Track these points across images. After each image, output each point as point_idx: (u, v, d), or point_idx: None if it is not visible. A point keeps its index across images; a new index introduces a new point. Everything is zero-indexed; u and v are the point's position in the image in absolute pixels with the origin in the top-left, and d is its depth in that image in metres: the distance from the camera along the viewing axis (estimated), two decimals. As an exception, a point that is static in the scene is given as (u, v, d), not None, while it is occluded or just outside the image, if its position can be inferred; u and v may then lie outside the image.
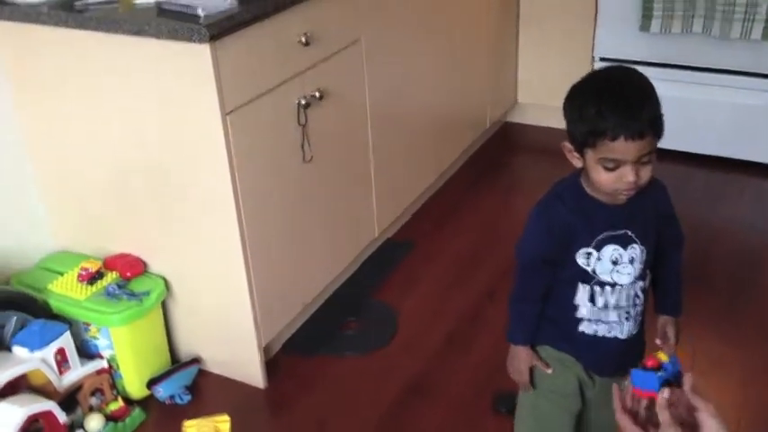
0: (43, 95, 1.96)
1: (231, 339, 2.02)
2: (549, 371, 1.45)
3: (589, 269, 1.35)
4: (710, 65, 2.93)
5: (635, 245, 1.36)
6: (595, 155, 1.25)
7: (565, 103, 1.30)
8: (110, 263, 2.02)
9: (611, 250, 1.35)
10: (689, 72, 2.98)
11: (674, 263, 1.47)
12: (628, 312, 1.39)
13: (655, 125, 1.24)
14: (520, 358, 1.46)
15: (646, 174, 1.26)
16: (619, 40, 3.04)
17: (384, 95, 2.37)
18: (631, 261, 1.36)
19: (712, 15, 2.79)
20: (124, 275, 1.99)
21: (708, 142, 3.05)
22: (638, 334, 1.44)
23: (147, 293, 1.95)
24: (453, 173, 3.07)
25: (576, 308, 1.39)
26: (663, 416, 1.03)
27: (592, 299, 1.37)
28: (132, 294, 1.93)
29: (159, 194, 1.92)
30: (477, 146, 3.26)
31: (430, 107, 2.71)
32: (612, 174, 1.25)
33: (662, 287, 1.47)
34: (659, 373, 1.11)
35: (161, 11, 1.74)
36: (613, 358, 1.42)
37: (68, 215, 2.13)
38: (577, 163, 1.32)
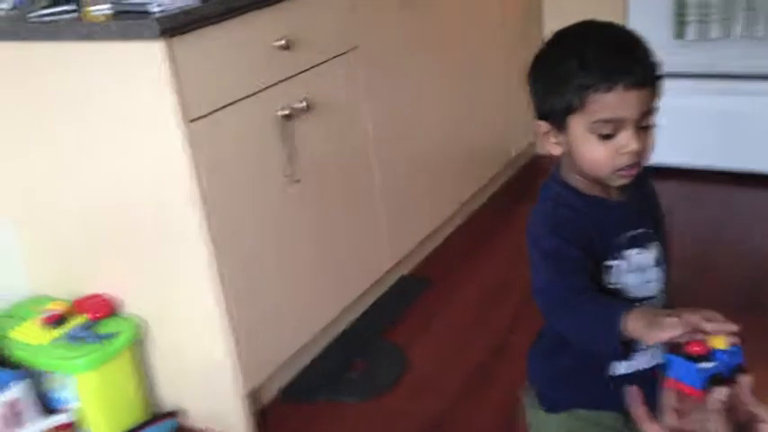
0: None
1: (212, 387, 1.76)
2: None
3: (618, 287, 1.05)
4: (757, 71, 2.64)
5: (655, 242, 1.07)
6: (585, 120, 0.97)
7: (530, 74, 1.04)
8: (78, 305, 1.80)
9: (635, 255, 1.05)
10: (732, 81, 2.69)
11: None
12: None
13: (654, 72, 0.97)
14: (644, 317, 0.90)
15: (648, 144, 0.99)
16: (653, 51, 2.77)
17: (388, 113, 2.15)
18: (657, 263, 1.07)
19: (756, 15, 2.51)
20: (93, 317, 1.77)
21: (758, 158, 2.72)
22: None
23: (115, 335, 1.72)
24: (478, 206, 2.81)
25: (610, 359, 1.07)
26: (716, 424, 0.74)
27: None
28: (98, 336, 1.70)
29: (128, 227, 1.71)
30: (504, 177, 3.00)
31: (445, 131, 2.47)
32: (610, 144, 0.97)
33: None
34: (706, 365, 0.81)
35: (116, 14, 1.56)
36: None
37: (42, 257, 1.93)
38: (556, 149, 1.04)
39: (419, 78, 2.28)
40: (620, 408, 1.01)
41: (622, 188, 1.07)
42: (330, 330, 2.07)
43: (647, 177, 1.14)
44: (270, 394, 1.91)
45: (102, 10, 1.53)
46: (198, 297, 1.69)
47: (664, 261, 1.09)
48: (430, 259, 2.51)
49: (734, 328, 0.85)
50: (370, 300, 2.24)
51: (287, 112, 1.74)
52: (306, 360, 2.00)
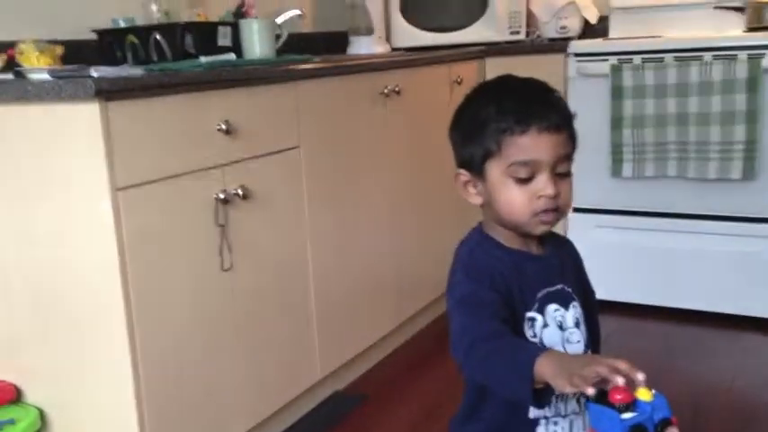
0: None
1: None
2: None
3: (537, 340, 1.02)
4: (689, 210, 2.72)
5: (575, 303, 1.07)
6: (503, 164, 1.00)
7: (451, 127, 1.08)
8: (-25, 391, 1.65)
9: (552, 312, 1.04)
10: (668, 220, 2.76)
11: (596, 324, 1.18)
12: (587, 398, 1.01)
13: (568, 119, 1.02)
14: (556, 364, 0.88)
15: (566, 191, 1.01)
16: (592, 188, 2.86)
17: (329, 219, 2.13)
18: (577, 324, 1.06)
19: (686, 156, 2.63)
20: (-11, 403, 1.61)
21: (693, 296, 2.74)
22: None
23: (11, 422, 1.56)
24: (422, 325, 2.73)
25: (526, 408, 1.03)
26: None
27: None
28: (-10, 422, 1.55)
29: (38, 302, 1.61)
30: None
31: (387, 247, 2.45)
32: (526, 188, 0.99)
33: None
34: (628, 414, 0.75)
35: (55, 77, 1.55)
36: None
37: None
38: (476, 199, 1.06)
39: (363, 188, 2.29)
40: None
41: (542, 243, 1.07)
42: (251, 442, 1.92)
43: (570, 244, 1.16)
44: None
45: (42, 73, 1.52)
46: (108, 389, 1.57)
47: (585, 325, 1.07)
48: (367, 375, 2.40)
49: (641, 377, 0.82)
50: (298, 412, 2.10)
51: (222, 196, 1.71)
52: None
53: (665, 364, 2.36)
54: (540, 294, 1.04)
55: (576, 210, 2.91)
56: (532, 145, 0.98)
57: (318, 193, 2.06)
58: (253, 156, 1.82)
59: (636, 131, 2.67)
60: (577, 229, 2.90)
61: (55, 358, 1.62)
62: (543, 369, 0.85)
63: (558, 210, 1.01)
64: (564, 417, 1.04)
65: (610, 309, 2.65)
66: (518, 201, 1.00)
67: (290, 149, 1.96)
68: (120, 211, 1.49)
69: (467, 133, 1.05)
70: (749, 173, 2.54)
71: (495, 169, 1.02)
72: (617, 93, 2.68)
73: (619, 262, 2.83)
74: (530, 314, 1.03)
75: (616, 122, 2.70)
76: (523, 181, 1.00)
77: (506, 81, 1.08)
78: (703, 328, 2.68)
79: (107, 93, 1.43)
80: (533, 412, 1.03)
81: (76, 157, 1.48)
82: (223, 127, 1.71)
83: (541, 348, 0.94)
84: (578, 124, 2.93)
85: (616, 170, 2.76)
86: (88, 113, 1.43)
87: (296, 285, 2.02)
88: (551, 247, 1.09)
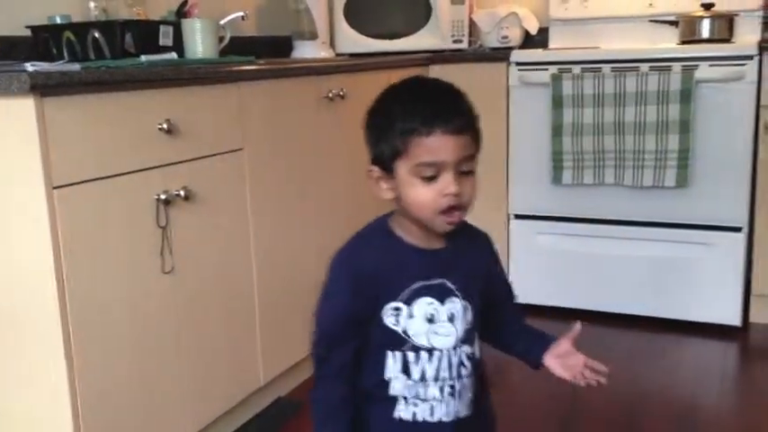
0: None
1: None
2: None
3: (399, 329, 1.10)
4: (627, 217, 2.79)
5: (455, 299, 1.11)
6: (409, 163, 1.05)
7: (364, 125, 1.12)
8: None
9: (424, 305, 1.10)
10: (606, 226, 2.83)
11: (516, 319, 1.25)
12: (452, 386, 1.12)
13: (472, 122, 1.07)
14: None
15: (469, 188, 1.07)
16: (533, 195, 2.91)
17: (272, 221, 2.10)
18: (451, 319, 1.11)
19: (623, 164, 2.70)
20: None
21: (630, 301, 2.81)
22: (474, 420, 1.15)
23: (-65, 433, 1.49)
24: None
25: (387, 384, 1.12)
26: None
27: (405, 369, 1.12)
28: None
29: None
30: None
31: (331, 250, 2.42)
32: (432, 187, 1.05)
33: (521, 344, 1.23)
34: None
35: (-10, 74, 1.49)
36: None
37: None
38: (387, 194, 1.10)
39: (307, 191, 2.26)
40: None
41: (448, 237, 1.12)
42: (192, 449, 1.87)
43: (484, 244, 1.23)
44: None
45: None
46: (42, 392, 1.52)
47: (464, 320, 1.12)
48: (310, 382, 2.36)
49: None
50: (240, 419, 2.06)
51: (164, 197, 1.67)
52: (161, 480, 1.78)
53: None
54: (413, 287, 1.10)
55: (517, 216, 2.95)
56: (437, 147, 1.03)
57: (262, 195, 2.04)
58: (195, 157, 1.79)
59: (575, 140, 2.73)
60: (518, 236, 2.95)
61: (-16, 365, 1.55)
62: None
63: (461, 207, 1.07)
64: (425, 402, 1.12)
65: (549, 313, 2.68)
66: (424, 198, 1.06)
67: (233, 151, 1.93)
68: (56, 211, 1.44)
69: (377, 132, 1.10)
70: (683, 181, 2.62)
71: (402, 168, 1.07)
72: (557, 101, 2.73)
73: (558, 267, 2.87)
74: (394, 304, 1.09)
75: (556, 130, 2.75)
76: (429, 180, 1.05)
77: (415, 83, 1.12)
78: (640, 333, 2.75)
79: (42, 87, 1.38)
80: (393, 389, 1.13)
81: (10, 153, 1.42)
82: (165, 126, 1.67)
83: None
84: (519, 132, 2.98)
85: (556, 177, 2.80)
86: (23, 108, 1.38)
87: (239, 289, 1.98)
88: (455, 243, 1.13)
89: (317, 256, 2.33)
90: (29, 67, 1.41)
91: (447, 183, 1.04)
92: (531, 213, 2.93)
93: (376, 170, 1.11)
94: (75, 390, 1.50)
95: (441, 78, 1.14)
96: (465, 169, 1.06)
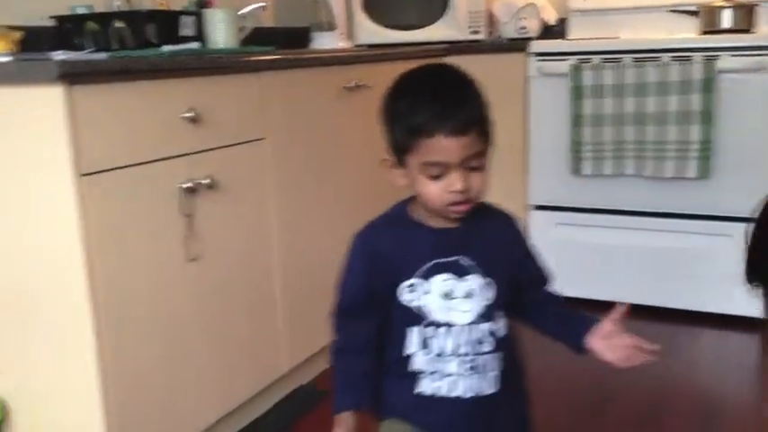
0: None
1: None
2: None
3: (414, 305, 1.12)
4: (647, 208, 2.78)
5: (474, 275, 1.12)
6: (417, 160, 1.06)
7: (380, 109, 1.13)
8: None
9: (440, 281, 1.12)
10: (626, 217, 2.81)
11: (551, 301, 1.25)
12: (473, 361, 1.14)
13: (478, 120, 1.06)
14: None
15: (477, 182, 1.07)
16: (552, 186, 2.90)
17: (294, 210, 2.10)
18: (469, 295, 1.12)
19: (643, 154, 2.68)
20: (-59, 398, 1.55)
21: (647, 292, 2.79)
22: (502, 398, 1.15)
23: (-35, 418, 1.50)
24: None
25: (408, 359, 1.14)
26: None
27: (425, 344, 1.14)
28: (-57, 417, 1.49)
29: (-1, 292, 1.56)
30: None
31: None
32: (439, 183, 1.06)
33: (562, 327, 1.22)
34: None
35: (18, 61, 1.50)
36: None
37: None
38: (401, 181, 1.12)
39: (329, 180, 2.27)
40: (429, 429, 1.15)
41: (463, 219, 1.13)
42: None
43: (508, 225, 1.22)
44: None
45: (4, 57, 1.47)
46: (72, 378, 1.53)
47: (484, 297, 1.13)
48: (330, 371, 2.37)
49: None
50: (263, 406, 2.07)
51: (190, 185, 1.68)
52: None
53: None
54: (429, 264, 1.12)
55: (537, 207, 2.95)
56: (439, 148, 1.04)
57: (284, 184, 2.04)
58: (219, 146, 1.79)
59: (595, 130, 2.71)
60: (538, 227, 2.94)
61: (18, 347, 1.57)
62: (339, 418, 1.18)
63: (469, 201, 1.08)
64: (446, 377, 1.14)
65: (568, 305, 2.67)
66: (431, 193, 1.08)
67: (256, 140, 1.93)
68: (84, 197, 1.45)
69: (389, 122, 1.11)
70: (704, 172, 2.60)
71: (411, 163, 1.08)
72: (577, 92, 2.72)
73: (578, 258, 2.86)
74: (410, 281, 1.12)
75: (576, 121, 2.73)
76: (435, 177, 1.06)
77: (423, 75, 1.12)
78: (661, 324, 2.73)
79: (71, 76, 1.39)
80: (414, 364, 1.15)
81: (40, 141, 1.43)
82: (191, 115, 1.68)
83: (358, 397, 1.19)
84: (538, 122, 2.96)
85: (576, 168, 2.79)
86: (52, 97, 1.39)
87: (261, 277, 1.99)
88: (470, 222, 1.13)
89: (337, 244, 2.32)
90: (57, 55, 1.42)
91: (453, 180, 1.06)
92: (551, 204, 2.92)
93: (390, 158, 1.13)
94: (102, 375, 1.51)
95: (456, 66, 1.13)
96: (473, 165, 1.07)
